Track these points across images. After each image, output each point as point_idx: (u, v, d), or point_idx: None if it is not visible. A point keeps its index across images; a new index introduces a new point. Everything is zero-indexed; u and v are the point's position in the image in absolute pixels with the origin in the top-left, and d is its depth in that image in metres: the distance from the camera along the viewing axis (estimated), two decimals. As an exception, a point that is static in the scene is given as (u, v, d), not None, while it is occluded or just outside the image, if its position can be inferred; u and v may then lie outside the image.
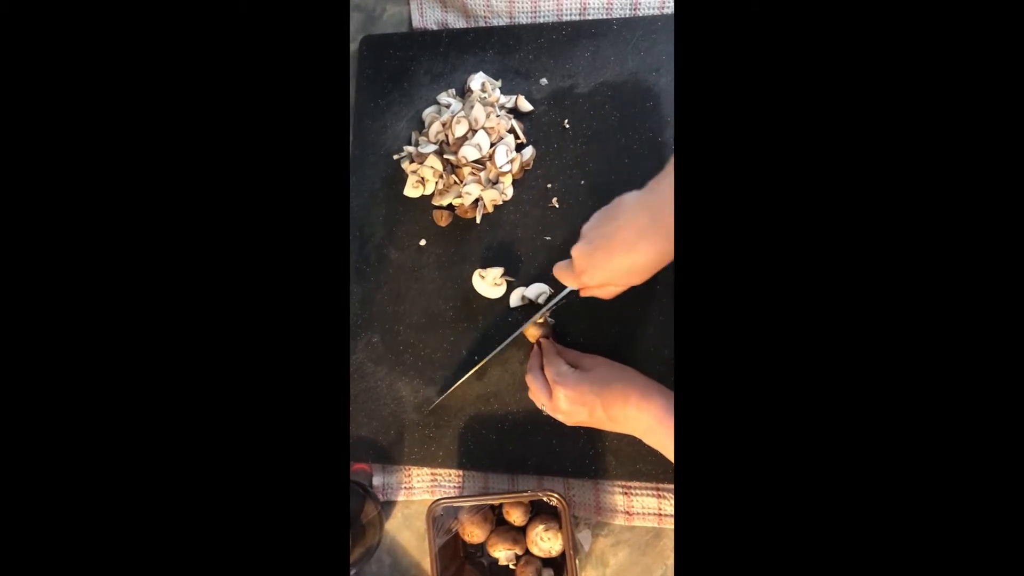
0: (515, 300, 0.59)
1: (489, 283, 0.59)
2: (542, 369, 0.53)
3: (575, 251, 0.49)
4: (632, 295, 0.57)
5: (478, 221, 0.61)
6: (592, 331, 0.57)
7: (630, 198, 0.47)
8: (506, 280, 0.59)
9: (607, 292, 0.50)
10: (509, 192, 0.60)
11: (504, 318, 0.59)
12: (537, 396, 0.53)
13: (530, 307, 0.59)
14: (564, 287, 0.53)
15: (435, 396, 0.60)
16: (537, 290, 0.58)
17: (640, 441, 0.55)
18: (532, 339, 0.56)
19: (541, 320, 0.56)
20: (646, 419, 0.47)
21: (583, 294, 0.52)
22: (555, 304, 0.54)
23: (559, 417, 0.52)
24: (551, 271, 0.58)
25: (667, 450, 0.47)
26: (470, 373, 0.58)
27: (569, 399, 0.50)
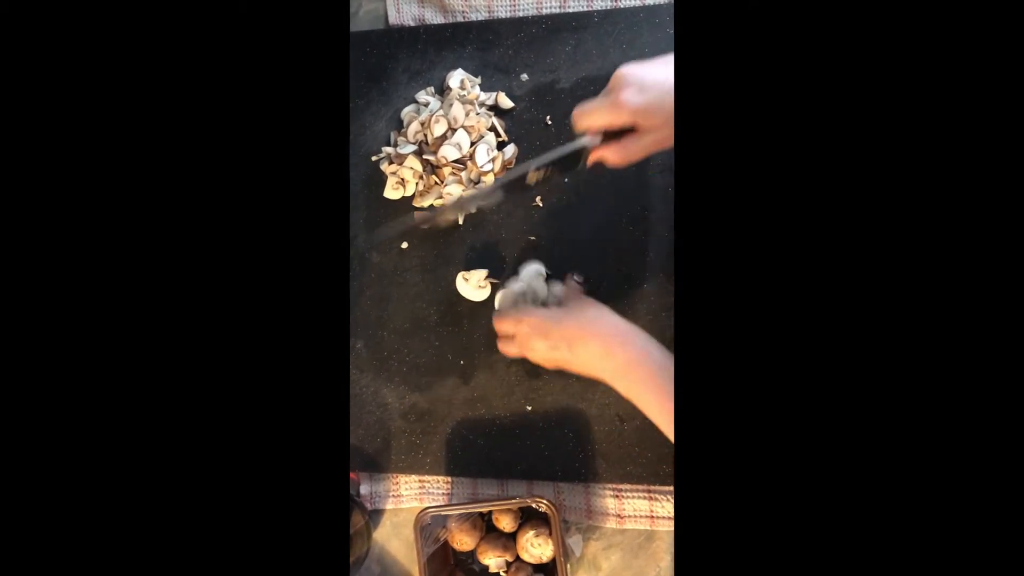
0: (500, 302, 0.57)
1: (473, 285, 0.58)
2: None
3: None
4: (619, 296, 0.56)
5: (460, 222, 0.59)
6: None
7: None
8: (490, 282, 0.58)
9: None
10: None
11: (489, 321, 0.58)
12: (503, 329, 0.51)
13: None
14: (577, 142, 0.46)
15: (421, 401, 0.59)
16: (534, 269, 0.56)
17: (630, 443, 0.54)
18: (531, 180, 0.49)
19: (542, 174, 0.48)
20: (615, 363, 0.45)
21: (594, 157, 0.46)
22: (564, 153, 0.47)
23: (528, 354, 0.49)
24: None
25: (639, 399, 0.44)
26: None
27: (533, 327, 0.48)
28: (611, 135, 0.45)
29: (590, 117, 0.45)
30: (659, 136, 0.43)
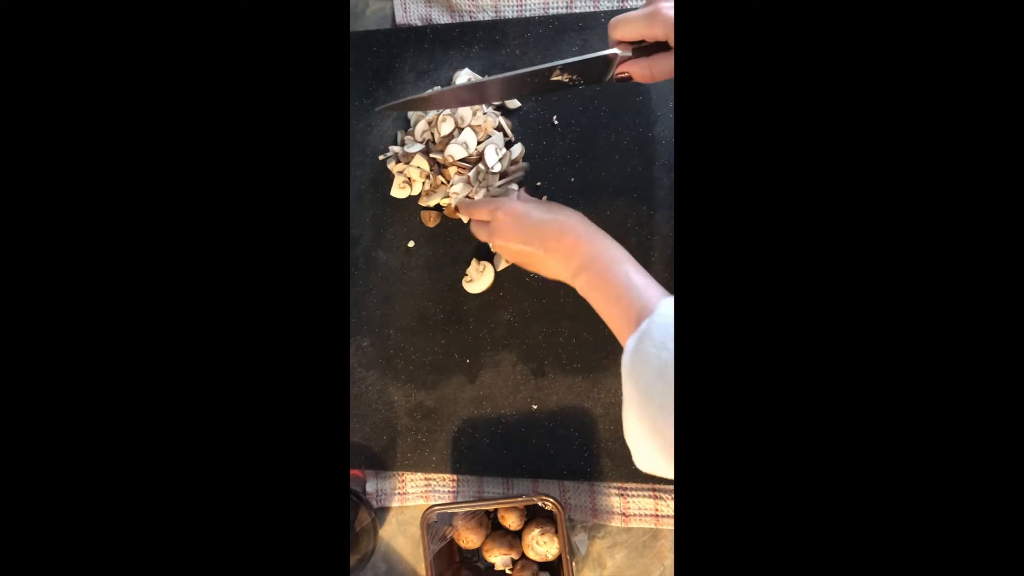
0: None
1: (475, 276, 0.58)
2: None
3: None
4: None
5: (466, 221, 0.59)
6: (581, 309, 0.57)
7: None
8: (486, 264, 0.58)
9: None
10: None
11: (494, 320, 0.58)
12: (479, 214, 0.51)
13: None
14: (605, 50, 0.44)
15: (427, 399, 0.59)
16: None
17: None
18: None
19: (566, 78, 0.45)
20: (579, 258, 0.45)
21: None
22: (592, 58, 0.44)
23: (497, 241, 0.50)
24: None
25: (590, 294, 0.45)
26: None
27: (507, 223, 0.48)
28: (643, 51, 0.44)
29: (624, 27, 0.43)
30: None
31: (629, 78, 0.45)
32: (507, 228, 0.48)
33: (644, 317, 0.40)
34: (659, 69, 0.44)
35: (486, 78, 0.48)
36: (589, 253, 0.45)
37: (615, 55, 0.44)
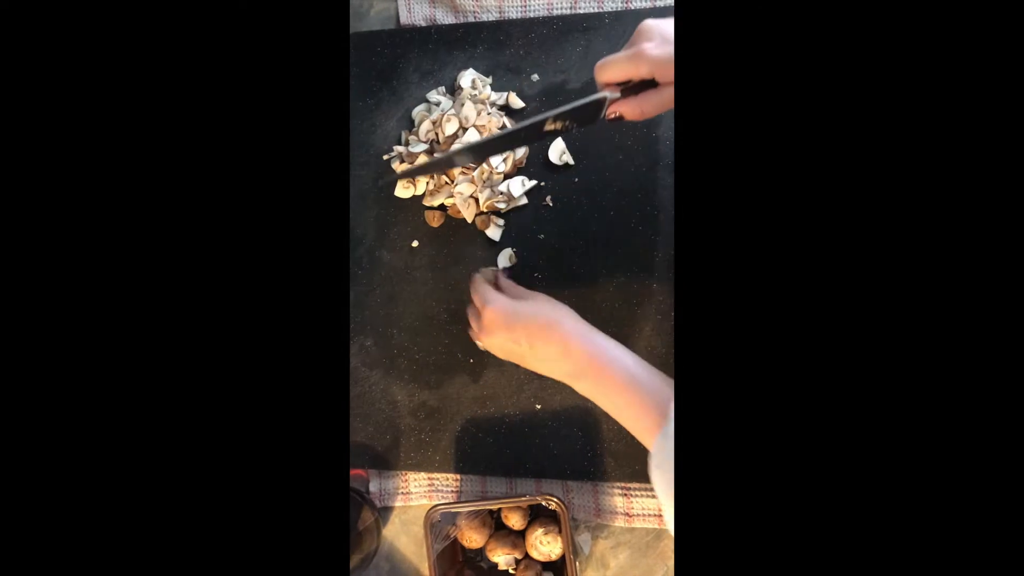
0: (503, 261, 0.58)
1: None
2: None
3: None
4: (628, 296, 0.56)
5: (470, 221, 0.60)
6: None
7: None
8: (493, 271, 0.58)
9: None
10: (504, 189, 0.59)
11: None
12: (477, 301, 0.50)
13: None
14: (595, 95, 0.45)
15: (431, 399, 0.59)
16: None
17: (639, 442, 0.55)
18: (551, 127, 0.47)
19: (559, 126, 0.47)
20: (575, 360, 0.44)
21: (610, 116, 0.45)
22: (582, 104, 0.45)
23: (484, 338, 0.49)
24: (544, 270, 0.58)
25: (597, 396, 0.45)
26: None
27: (494, 321, 0.47)
28: (631, 90, 0.45)
29: (610, 69, 0.44)
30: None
31: (621, 118, 0.46)
32: (494, 325, 0.47)
33: (663, 417, 0.40)
34: (649, 106, 0.45)
35: (483, 138, 0.49)
36: (585, 354, 0.44)
37: (604, 98, 0.45)
